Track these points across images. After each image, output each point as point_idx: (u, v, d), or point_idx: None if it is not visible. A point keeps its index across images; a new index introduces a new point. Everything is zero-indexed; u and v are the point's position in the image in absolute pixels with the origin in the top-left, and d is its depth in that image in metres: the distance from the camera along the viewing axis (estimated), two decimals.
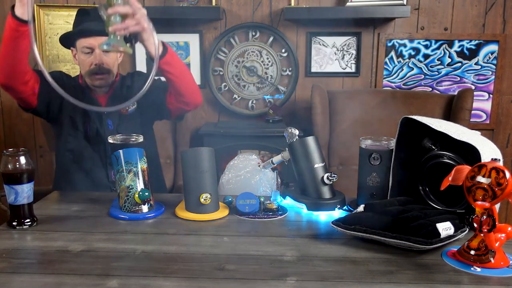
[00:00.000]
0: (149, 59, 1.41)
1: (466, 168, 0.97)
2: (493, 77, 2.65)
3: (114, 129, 1.66)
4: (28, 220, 1.16)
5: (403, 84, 2.68)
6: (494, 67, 2.64)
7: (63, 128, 1.68)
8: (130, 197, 1.24)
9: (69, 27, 2.50)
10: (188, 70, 1.23)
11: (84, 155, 1.66)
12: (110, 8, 1.22)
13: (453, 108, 2.33)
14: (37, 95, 1.59)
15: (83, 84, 1.69)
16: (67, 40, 1.67)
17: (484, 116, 2.71)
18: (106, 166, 1.66)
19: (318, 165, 1.30)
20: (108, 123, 1.67)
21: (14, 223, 1.15)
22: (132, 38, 1.34)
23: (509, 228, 0.94)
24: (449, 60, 2.64)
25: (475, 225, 0.94)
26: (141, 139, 1.30)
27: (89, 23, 1.61)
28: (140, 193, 1.23)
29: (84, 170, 1.66)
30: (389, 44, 2.64)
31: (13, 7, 1.36)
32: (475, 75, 2.65)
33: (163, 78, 1.56)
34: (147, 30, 1.32)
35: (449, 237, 1.01)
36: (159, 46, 1.37)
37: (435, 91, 2.67)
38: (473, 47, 2.62)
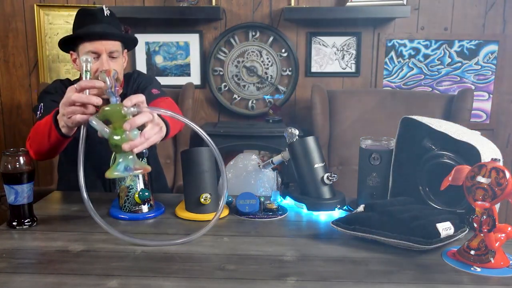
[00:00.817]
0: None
1: (466, 168, 0.97)
2: (493, 77, 2.65)
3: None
4: (28, 220, 1.16)
5: (403, 84, 2.68)
6: (494, 67, 2.64)
7: (67, 148, 1.50)
8: (130, 197, 1.24)
9: (69, 27, 2.48)
10: (176, 112, 1.06)
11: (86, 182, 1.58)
12: (124, 122, 0.96)
13: (453, 108, 2.33)
14: None
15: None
16: (68, 43, 1.51)
17: (484, 116, 2.70)
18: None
19: (318, 165, 1.30)
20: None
21: (14, 223, 1.15)
22: (143, 151, 1.10)
23: (509, 228, 0.94)
24: (449, 60, 2.64)
25: (475, 225, 0.94)
26: None
27: (94, 25, 1.47)
28: (140, 193, 1.23)
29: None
30: (389, 44, 2.63)
31: (56, 113, 1.16)
32: (475, 75, 2.65)
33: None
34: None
35: (449, 237, 1.01)
36: (162, 128, 1.16)
37: (435, 91, 2.67)
38: (473, 47, 2.62)
